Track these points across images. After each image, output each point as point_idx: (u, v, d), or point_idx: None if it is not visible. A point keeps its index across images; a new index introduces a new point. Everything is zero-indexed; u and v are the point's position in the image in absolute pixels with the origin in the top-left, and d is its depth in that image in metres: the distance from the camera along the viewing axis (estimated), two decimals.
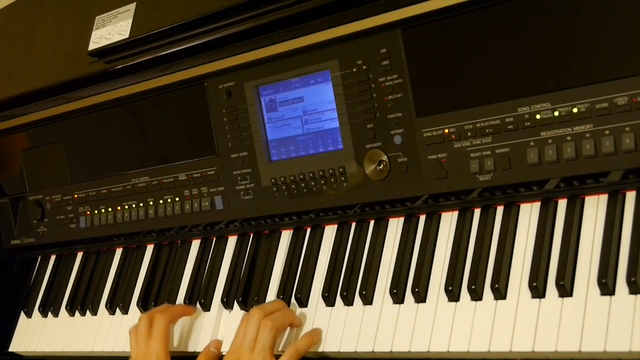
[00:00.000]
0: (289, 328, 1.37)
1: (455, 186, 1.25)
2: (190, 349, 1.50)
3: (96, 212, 1.70)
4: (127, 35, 1.52)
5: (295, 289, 1.41)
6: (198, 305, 1.53)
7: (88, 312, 1.71)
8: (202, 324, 1.51)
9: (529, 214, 1.22)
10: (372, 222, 1.38)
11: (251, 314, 1.33)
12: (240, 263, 1.51)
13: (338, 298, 1.35)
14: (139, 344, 1.43)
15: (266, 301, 1.44)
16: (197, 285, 1.55)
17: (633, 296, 1.07)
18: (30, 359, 1.82)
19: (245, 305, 1.46)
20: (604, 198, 1.16)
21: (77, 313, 1.73)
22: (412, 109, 1.28)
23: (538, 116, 1.17)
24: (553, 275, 1.15)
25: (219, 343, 1.45)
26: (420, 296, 1.26)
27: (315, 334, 1.33)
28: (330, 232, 1.43)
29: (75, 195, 1.74)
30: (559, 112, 1.15)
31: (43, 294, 1.83)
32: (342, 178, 1.36)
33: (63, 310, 1.76)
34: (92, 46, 1.57)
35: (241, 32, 1.39)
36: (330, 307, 1.36)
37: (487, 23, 1.20)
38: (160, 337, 1.42)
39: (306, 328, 1.36)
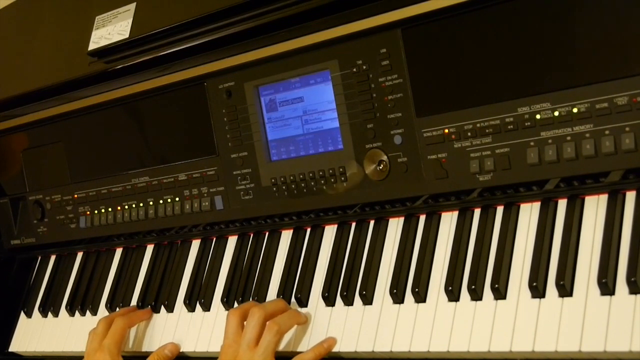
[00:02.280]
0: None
1: (455, 186, 1.25)
2: (190, 348, 1.50)
3: (96, 212, 1.70)
4: (127, 35, 1.52)
5: (295, 289, 1.41)
6: (198, 305, 1.53)
7: (88, 312, 1.71)
8: (201, 324, 1.50)
9: (529, 214, 1.22)
10: (372, 222, 1.38)
11: (251, 312, 1.32)
12: (240, 263, 1.51)
13: (338, 298, 1.35)
14: (92, 341, 1.52)
15: (266, 301, 1.44)
16: (197, 285, 1.55)
17: (633, 296, 1.07)
18: (30, 359, 1.82)
19: None
20: (604, 198, 1.16)
21: (77, 313, 1.73)
22: (412, 109, 1.28)
23: (538, 116, 1.17)
24: (553, 275, 1.15)
25: (176, 348, 1.49)
26: (420, 296, 1.26)
27: (324, 349, 1.30)
28: (330, 232, 1.43)
29: (75, 195, 1.74)
30: (559, 112, 1.15)
31: (43, 294, 1.83)
32: (342, 178, 1.36)
33: (63, 310, 1.76)
34: (92, 46, 1.57)
35: (241, 32, 1.39)
36: (330, 307, 1.36)
37: (487, 23, 1.20)
38: (114, 336, 1.50)
39: (306, 328, 1.36)
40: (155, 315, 1.59)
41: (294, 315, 1.35)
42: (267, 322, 1.30)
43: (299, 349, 1.34)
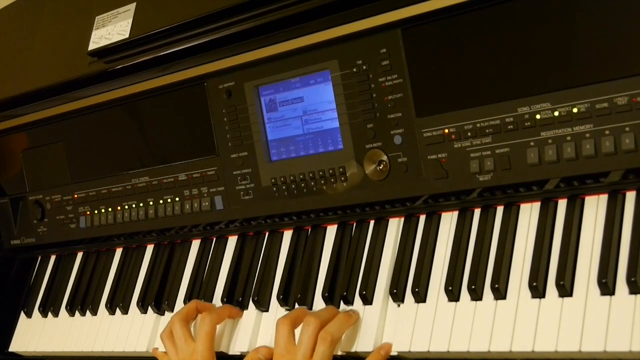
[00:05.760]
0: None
1: (455, 186, 1.25)
2: None
3: (96, 212, 1.70)
4: (127, 35, 1.52)
5: (296, 289, 1.40)
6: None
7: (88, 312, 1.71)
8: None
9: (529, 214, 1.23)
10: (372, 222, 1.38)
11: (307, 322, 1.27)
12: (241, 263, 1.51)
13: (338, 298, 1.35)
14: (180, 347, 1.39)
15: (268, 302, 1.44)
16: (197, 285, 1.55)
17: (633, 296, 1.07)
18: (30, 359, 1.82)
19: (245, 306, 1.46)
20: (604, 198, 1.16)
21: (77, 313, 1.73)
22: (412, 109, 1.28)
23: (538, 116, 1.17)
24: (553, 275, 1.15)
25: (268, 351, 1.36)
26: (420, 296, 1.26)
27: (380, 356, 1.25)
28: (330, 232, 1.43)
29: (75, 195, 1.74)
30: (559, 112, 1.15)
31: (43, 294, 1.83)
32: (342, 178, 1.36)
33: (63, 310, 1.76)
34: (92, 46, 1.57)
35: (241, 32, 1.39)
36: None
37: (487, 23, 1.20)
38: (205, 339, 1.37)
39: None
40: (155, 316, 1.59)
41: (344, 320, 1.29)
42: (320, 333, 1.26)
43: None
